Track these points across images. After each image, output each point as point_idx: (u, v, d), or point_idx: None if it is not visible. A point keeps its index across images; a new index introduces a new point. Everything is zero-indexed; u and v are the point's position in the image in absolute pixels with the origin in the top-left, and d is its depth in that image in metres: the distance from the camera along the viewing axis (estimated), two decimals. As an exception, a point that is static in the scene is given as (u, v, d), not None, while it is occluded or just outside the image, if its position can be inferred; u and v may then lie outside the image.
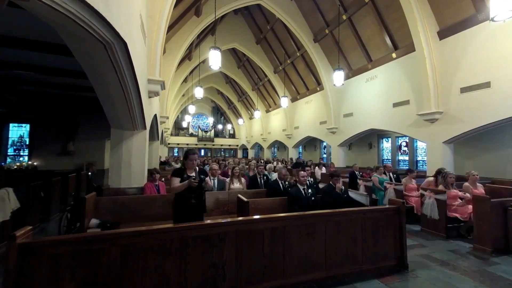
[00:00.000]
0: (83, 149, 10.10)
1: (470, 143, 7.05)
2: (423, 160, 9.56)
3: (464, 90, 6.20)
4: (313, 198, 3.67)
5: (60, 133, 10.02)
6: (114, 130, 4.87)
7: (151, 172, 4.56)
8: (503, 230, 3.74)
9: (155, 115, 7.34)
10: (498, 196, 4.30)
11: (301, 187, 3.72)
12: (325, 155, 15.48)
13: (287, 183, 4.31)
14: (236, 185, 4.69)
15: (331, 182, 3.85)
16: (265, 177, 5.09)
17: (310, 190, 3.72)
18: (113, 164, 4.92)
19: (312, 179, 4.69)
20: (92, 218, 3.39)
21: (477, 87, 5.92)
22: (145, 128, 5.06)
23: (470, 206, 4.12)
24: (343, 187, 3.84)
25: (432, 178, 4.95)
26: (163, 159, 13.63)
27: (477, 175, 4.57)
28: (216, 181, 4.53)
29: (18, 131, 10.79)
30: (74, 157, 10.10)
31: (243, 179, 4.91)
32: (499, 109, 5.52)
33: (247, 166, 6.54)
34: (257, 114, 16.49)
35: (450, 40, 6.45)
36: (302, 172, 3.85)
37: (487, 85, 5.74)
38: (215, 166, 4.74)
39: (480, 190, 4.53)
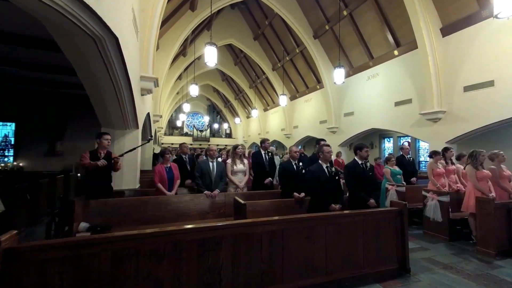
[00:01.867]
0: (72, 149, 9.98)
1: (473, 143, 7.11)
2: (426, 161, 9.65)
3: (467, 88, 6.27)
4: (337, 177, 3.32)
5: (48, 133, 9.90)
6: (104, 129, 4.82)
7: (163, 153, 4.34)
8: (507, 232, 3.79)
9: (148, 114, 7.30)
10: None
11: (324, 165, 3.31)
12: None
13: (300, 164, 4.07)
14: (239, 166, 4.55)
15: (355, 158, 3.44)
16: (270, 154, 4.87)
17: (333, 169, 3.34)
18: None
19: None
20: (81, 221, 3.36)
21: (481, 86, 6.00)
22: (137, 127, 5.03)
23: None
24: (368, 163, 3.47)
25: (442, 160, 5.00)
26: (157, 150, 13.10)
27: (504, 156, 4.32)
28: (215, 163, 4.30)
29: (2, 130, 10.63)
30: (63, 157, 9.99)
31: (245, 160, 4.73)
32: (503, 108, 5.59)
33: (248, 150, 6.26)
34: (255, 113, 16.48)
35: (453, 38, 6.52)
36: (326, 147, 3.42)
37: (490, 83, 5.82)
38: (213, 147, 4.46)
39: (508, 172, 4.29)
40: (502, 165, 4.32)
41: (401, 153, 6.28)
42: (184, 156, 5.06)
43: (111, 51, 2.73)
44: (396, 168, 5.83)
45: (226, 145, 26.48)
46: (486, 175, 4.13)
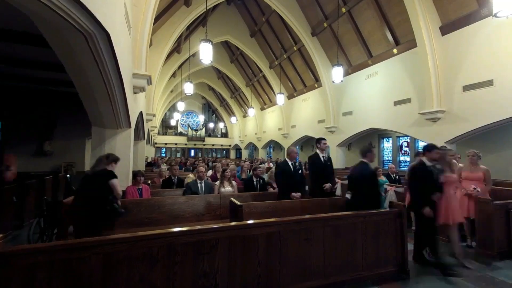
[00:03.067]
0: (61, 149, 9.85)
1: (472, 144, 7.23)
2: (425, 161, 9.75)
3: (466, 88, 6.37)
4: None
5: (36, 132, 9.74)
6: (95, 129, 4.79)
7: (135, 174, 4.49)
8: (506, 233, 3.85)
9: (141, 113, 7.25)
10: (501, 198, 4.42)
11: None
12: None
13: (297, 164, 4.23)
14: (227, 188, 4.60)
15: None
16: (261, 181, 4.94)
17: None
18: (94, 166, 4.83)
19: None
20: (70, 223, 3.32)
21: (480, 85, 6.09)
22: (129, 126, 4.99)
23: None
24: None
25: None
26: (149, 159, 13.47)
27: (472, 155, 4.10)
28: (203, 184, 4.44)
29: (-13, 129, 10.42)
30: (51, 157, 9.84)
31: (234, 182, 4.80)
32: (502, 108, 5.69)
33: (238, 168, 6.42)
34: (251, 112, 16.49)
35: (453, 36, 6.61)
36: (323, 139, 4.21)
37: (489, 83, 5.91)
38: (202, 169, 4.59)
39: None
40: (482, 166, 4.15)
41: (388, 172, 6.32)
42: (173, 178, 5.09)
43: (102, 48, 2.70)
44: (383, 178, 5.98)
45: (222, 145, 26.45)
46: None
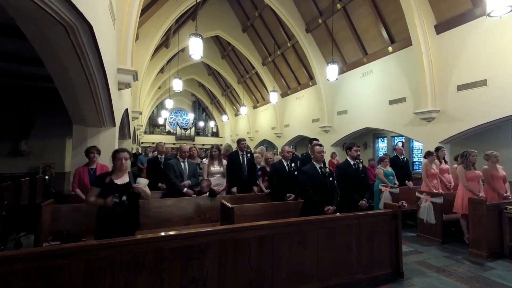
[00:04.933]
0: (39, 149, 9.54)
1: (466, 144, 7.46)
2: (420, 161, 10.02)
3: (460, 88, 6.57)
4: (331, 178, 3.38)
5: (11, 130, 9.41)
6: (76, 127, 4.67)
7: (86, 151, 3.77)
8: (498, 234, 4.01)
9: (126, 110, 7.12)
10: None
11: (317, 165, 3.37)
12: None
13: (293, 165, 4.11)
14: (216, 167, 4.49)
15: (347, 158, 3.59)
16: (248, 155, 4.70)
17: (327, 169, 3.42)
18: (75, 167, 4.70)
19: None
20: (49, 229, 3.23)
21: (474, 85, 6.29)
22: (114, 124, 4.90)
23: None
24: (360, 164, 3.61)
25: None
26: (134, 150, 13.04)
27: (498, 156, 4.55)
28: (186, 163, 4.27)
29: (-43, 127, 9.98)
30: (28, 158, 9.53)
31: (224, 161, 4.66)
32: (495, 108, 5.90)
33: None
34: (244, 110, 16.47)
35: (447, 35, 6.80)
36: (318, 146, 3.48)
37: (483, 83, 6.12)
38: (186, 147, 4.36)
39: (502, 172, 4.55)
40: (498, 166, 4.55)
41: (395, 153, 6.46)
42: (160, 157, 4.93)
43: (85, 41, 2.64)
44: (389, 169, 6.02)
45: (212, 145, 26.30)
46: (476, 175, 4.35)
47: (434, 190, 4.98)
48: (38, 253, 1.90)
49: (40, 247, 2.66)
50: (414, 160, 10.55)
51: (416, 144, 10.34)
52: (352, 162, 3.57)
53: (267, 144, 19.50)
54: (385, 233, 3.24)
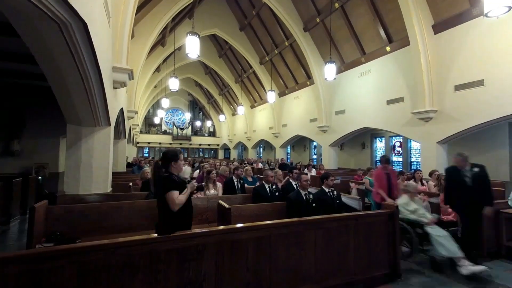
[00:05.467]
0: (31, 149, 9.44)
1: (463, 144, 7.56)
2: (417, 161, 10.10)
3: (458, 87, 6.63)
4: (314, 204, 3.70)
5: (2, 130, 9.29)
6: (70, 126, 4.63)
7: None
8: (495, 233, 4.05)
9: (122, 109, 7.08)
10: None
11: (302, 192, 3.73)
12: (315, 156, 15.82)
13: (274, 187, 4.28)
14: (211, 191, 4.59)
15: (323, 186, 3.92)
16: (241, 181, 4.97)
17: (311, 196, 3.76)
18: (69, 167, 4.68)
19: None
20: (42, 230, 3.19)
21: (471, 85, 6.36)
22: (109, 124, 4.86)
23: None
24: (335, 192, 3.92)
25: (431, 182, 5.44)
26: (131, 159, 13.15)
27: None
28: None
29: None
30: (20, 158, 9.42)
31: (219, 184, 4.78)
32: (492, 108, 5.97)
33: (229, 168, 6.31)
34: (241, 110, 16.47)
35: (445, 35, 6.86)
36: (304, 175, 3.92)
37: (480, 83, 6.18)
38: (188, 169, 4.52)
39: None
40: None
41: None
42: None
43: (79, 38, 2.61)
44: None
45: (209, 145, 26.25)
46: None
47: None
48: (30, 255, 1.88)
49: (33, 249, 2.63)
50: (412, 160, 10.63)
51: (413, 144, 10.42)
52: (327, 190, 3.87)
53: (265, 144, 19.52)
54: (382, 234, 3.25)
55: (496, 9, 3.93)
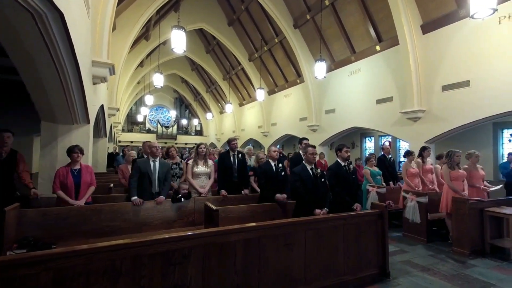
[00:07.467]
0: (2, 148, 9.02)
1: (451, 143, 7.87)
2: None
3: (445, 88, 6.90)
4: (323, 179, 3.47)
5: (-31, 127, 8.82)
6: (45, 124, 4.46)
7: (70, 150, 3.65)
8: (479, 232, 4.26)
9: (102, 106, 6.88)
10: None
11: (308, 167, 3.48)
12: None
13: (280, 165, 4.15)
14: (201, 168, 4.35)
15: (337, 159, 3.67)
16: (240, 155, 4.72)
17: (319, 171, 3.50)
18: (44, 167, 4.52)
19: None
20: (13, 236, 3.06)
21: (458, 86, 6.63)
22: (88, 121, 4.72)
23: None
24: (351, 166, 3.71)
25: (419, 159, 5.57)
26: (111, 150, 12.45)
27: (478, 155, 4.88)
28: (157, 163, 3.93)
29: None
30: (-11, 158, 8.98)
31: (210, 161, 4.55)
32: (477, 108, 6.25)
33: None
34: (229, 107, 16.39)
35: (433, 35, 7.11)
36: (311, 148, 3.61)
37: (466, 83, 6.46)
38: (155, 143, 4.11)
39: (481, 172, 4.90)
40: (477, 165, 4.83)
41: (382, 153, 6.67)
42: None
43: (55, 30, 2.52)
44: (376, 169, 6.22)
45: (196, 144, 25.98)
46: (460, 175, 4.60)
47: (416, 189, 5.21)
48: (0, 263, 1.79)
49: (3, 256, 2.51)
50: (400, 159, 10.96)
51: (402, 144, 10.74)
52: (342, 164, 3.63)
53: (254, 144, 19.53)
54: (371, 234, 3.34)
55: (482, 11, 4.11)
